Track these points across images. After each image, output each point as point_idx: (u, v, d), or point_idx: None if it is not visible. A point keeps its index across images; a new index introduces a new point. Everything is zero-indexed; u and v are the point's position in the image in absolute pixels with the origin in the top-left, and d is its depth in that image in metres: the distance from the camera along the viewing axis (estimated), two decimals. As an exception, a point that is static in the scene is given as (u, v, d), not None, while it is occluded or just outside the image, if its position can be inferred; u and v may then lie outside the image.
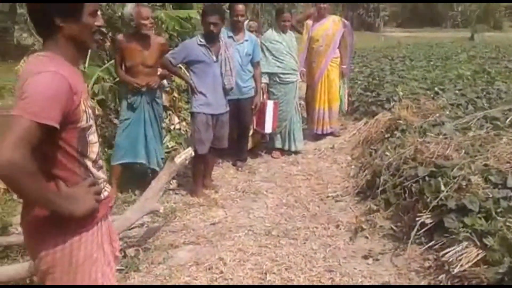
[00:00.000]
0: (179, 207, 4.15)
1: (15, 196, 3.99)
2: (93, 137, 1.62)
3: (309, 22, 5.88)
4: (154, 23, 4.19)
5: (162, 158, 4.44)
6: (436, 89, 6.14)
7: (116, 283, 1.83)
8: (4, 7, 17.69)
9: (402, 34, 29.23)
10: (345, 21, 5.93)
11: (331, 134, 6.06)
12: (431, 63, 9.95)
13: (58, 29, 1.52)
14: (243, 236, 3.56)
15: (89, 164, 1.61)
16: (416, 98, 5.61)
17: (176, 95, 6.36)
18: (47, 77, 1.42)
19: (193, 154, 3.54)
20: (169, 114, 6.32)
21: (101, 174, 1.68)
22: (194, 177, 4.47)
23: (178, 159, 3.28)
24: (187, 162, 3.57)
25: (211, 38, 4.11)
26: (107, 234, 1.75)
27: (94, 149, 1.63)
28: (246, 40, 4.79)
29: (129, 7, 4.06)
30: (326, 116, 5.92)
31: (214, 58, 4.13)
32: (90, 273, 1.65)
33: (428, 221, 3.04)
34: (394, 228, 3.35)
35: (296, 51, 5.47)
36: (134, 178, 4.52)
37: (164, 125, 6.18)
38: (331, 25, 5.73)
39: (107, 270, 1.72)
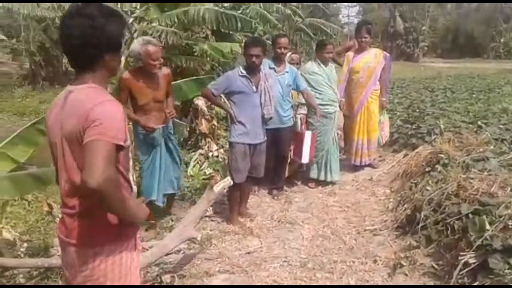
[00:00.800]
0: (215, 235, 4.17)
1: (57, 219, 4.14)
2: (131, 154, 1.80)
3: (350, 53, 5.92)
4: (163, 63, 4.03)
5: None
6: (479, 123, 5.98)
7: None
8: (55, 35, 18.72)
9: (442, 64, 28.81)
10: (386, 54, 5.92)
11: (369, 165, 5.98)
12: (473, 95, 9.72)
13: (101, 60, 1.69)
14: (278, 267, 3.53)
15: (130, 178, 1.84)
16: (458, 132, 5.47)
17: (215, 123, 6.50)
18: (113, 105, 1.63)
19: (231, 183, 3.57)
20: (208, 142, 6.45)
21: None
22: (230, 205, 4.49)
23: (217, 188, 3.32)
24: (225, 190, 3.60)
25: (252, 70, 4.20)
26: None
27: (131, 164, 1.88)
28: (287, 72, 4.87)
29: (137, 45, 3.84)
30: (364, 147, 5.87)
31: (254, 88, 4.21)
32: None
33: (471, 260, 2.92)
34: (435, 266, 3.24)
35: (335, 82, 5.50)
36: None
37: (202, 151, 6.33)
38: (373, 58, 5.74)
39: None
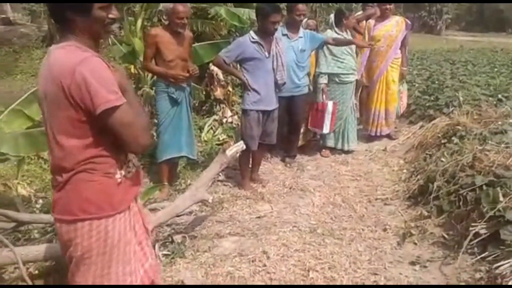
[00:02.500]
0: (227, 198, 4.21)
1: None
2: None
3: (371, 21, 5.77)
4: (188, 23, 4.08)
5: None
6: (499, 96, 5.82)
7: (148, 262, 1.91)
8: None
9: (465, 38, 27.99)
10: (408, 22, 5.75)
11: (387, 136, 5.90)
12: (495, 69, 9.43)
13: (73, 22, 1.62)
14: (287, 231, 3.56)
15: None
16: (478, 105, 5.35)
17: (230, 89, 6.47)
18: (96, 61, 1.58)
19: (244, 147, 3.57)
20: (223, 108, 6.44)
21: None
22: (242, 171, 4.51)
23: (230, 152, 3.32)
24: (237, 155, 3.61)
25: (264, 35, 4.11)
26: (137, 215, 1.86)
27: None
28: (301, 37, 4.78)
29: (168, 2, 3.95)
30: (381, 117, 5.78)
31: (267, 54, 4.14)
32: (124, 252, 1.75)
33: (482, 231, 2.90)
34: (445, 236, 3.23)
35: (354, 51, 5.39)
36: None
37: (217, 117, 6.34)
38: (394, 26, 5.59)
39: (137, 249, 1.84)
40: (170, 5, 3.90)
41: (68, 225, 1.66)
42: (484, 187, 3.20)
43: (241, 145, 3.48)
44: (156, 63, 4.11)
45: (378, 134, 5.84)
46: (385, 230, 3.58)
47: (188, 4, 4.00)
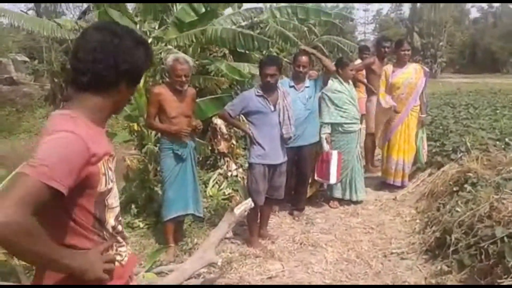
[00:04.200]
0: (235, 258, 4.05)
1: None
2: (113, 201, 1.52)
3: (389, 68, 5.80)
4: (189, 80, 4.09)
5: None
6: (506, 139, 5.76)
7: None
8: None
9: (460, 80, 28.42)
10: (426, 70, 5.80)
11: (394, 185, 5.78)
12: (497, 111, 9.45)
13: (115, 92, 1.45)
14: (302, 293, 3.38)
15: (109, 229, 1.50)
16: (486, 149, 5.27)
17: (234, 142, 6.42)
18: (62, 138, 1.31)
19: (252, 205, 3.47)
20: (227, 161, 6.36)
21: (121, 240, 1.57)
22: (250, 227, 4.37)
23: (238, 211, 3.22)
24: (246, 213, 3.49)
25: (268, 88, 4.12)
26: None
27: (113, 214, 1.52)
28: (307, 87, 4.80)
29: (169, 60, 3.99)
30: (406, 167, 5.68)
31: (272, 107, 4.12)
32: None
33: (510, 288, 2.74)
34: (470, 293, 3.06)
35: (356, 100, 5.39)
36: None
37: (221, 171, 6.25)
38: (413, 73, 5.61)
39: None
40: (170, 62, 3.95)
41: None
42: (506, 239, 3.06)
43: (249, 203, 3.38)
44: (160, 120, 4.11)
45: (403, 185, 5.70)
46: None
47: (189, 62, 4.02)
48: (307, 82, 4.83)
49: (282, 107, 4.18)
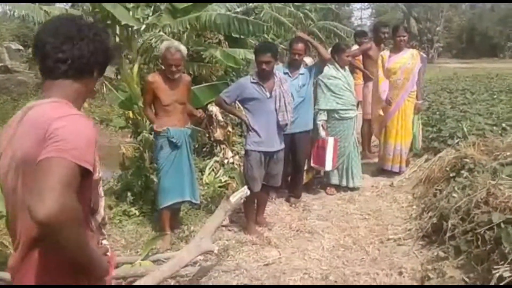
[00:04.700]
0: (232, 245, 4.04)
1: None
2: (101, 191, 1.54)
3: (386, 53, 5.74)
4: (182, 68, 4.07)
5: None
6: (503, 125, 5.76)
7: None
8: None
9: (458, 65, 28.31)
10: (423, 55, 5.74)
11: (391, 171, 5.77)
12: (494, 96, 9.44)
13: (87, 79, 1.48)
14: (298, 280, 3.39)
15: (98, 220, 1.51)
16: (483, 135, 5.26)
17: (230, 129, 6.38)
18: (80, 120, 1.32)
19: (248, 193, 3.45)
20: (223, 148, 6.34)
21: (104, 232, 1.59)
22: (247, 215, 4.36)
23: (233, 199, 3.20)
24: (242, 201, 3.47)
25: (264, 76, 4.07)
26: None
27: (102, 204, 1.54)
28: (302, 74, 4.75)
29: (162, 46, 3.99)
30: (403, 152, 5.64)
31: (268, 94, 4.08)
32: None
33: (506, 274, 2.73)
34: (466, 279, 3.04)
35: (353, 86, 5.34)
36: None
37: (217, 159, 6.22)
38: (410, 58, 5.55)
39: None
40: (162, 51, 3.93)
41: None
42: (502, 225, 3.05)
43: (245, 191, 3.36)
44: (155, 108, 4.11)
45: (401, 170, 5.67)
46: (400, 274, 3.40)
47: (182, 51, 3.95)
48: (302, 69, 4.78)
49: (279, 94, 4.13)
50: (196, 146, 6.76)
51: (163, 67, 4.13)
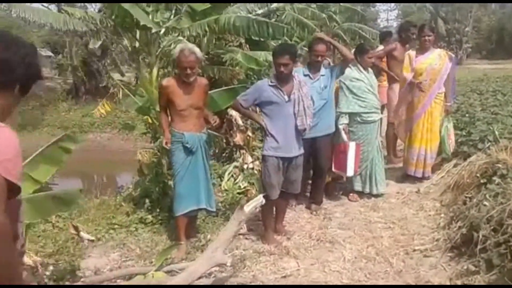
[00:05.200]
0: (249, 255, 3.90)
1: (85, 241, 4.00)
2: (22, 215, 1.42)
3: (412, 52, 5.50)
4: (197, 71, 3.99)
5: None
6: (538, 128, 5.42)
7: None
8: (97, 51, 19.22)
9: (487, 66, 27.43)
10: (452, 55, 5.48)
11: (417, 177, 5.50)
12: (527, 97, 8.99)
13: (8, 93, 1.40)
14: (317, 294, 3.20)
15: (18, 245, 1.37)
16: (516, 138, 4.96)
17: (250, 134, 6.26)
18: (7, 132, 1.25)
19: (263, 201, 3.29)
20: (243, 153, 6.21)
21: (23, 261, 1.50)
22: (265, 223, 4.21)
23: (248, 208, 3.05)
24: (257, 210, 3.33)
25: (282, 78, 3.92)
26: None
27: (21, 230, 1.42)
28: (322, 75, 4.59)
29: (176, 49, 3.91)
30: (428, 157, 5.38)
31: (286, 98, 3.92)
32: None
33: (544, 292, 2.50)
34: (500, 296, 2.82)
35: (377, 88, 5.13)
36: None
37: (237, 164, 6.09)
38: (437, 59, 5.30)
39: None
40: (176, 54, 3.85)
41: None
42: (540, 237, 2.81)
43: (260, 199, 3.20)
44: (170, 113, 4.03)
45: (424, 176, 5.42)
46: (427, 288, 3.19)
47: (196, 54, 3.86)
48: (323, 71, 4.61)
49: (298, 97, 3.97)
50: (216, 151, 6.67)
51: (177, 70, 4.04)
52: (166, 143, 3.95)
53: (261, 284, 3.39)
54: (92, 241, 4.08)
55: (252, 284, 3.40)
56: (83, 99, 19.44)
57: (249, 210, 3.06)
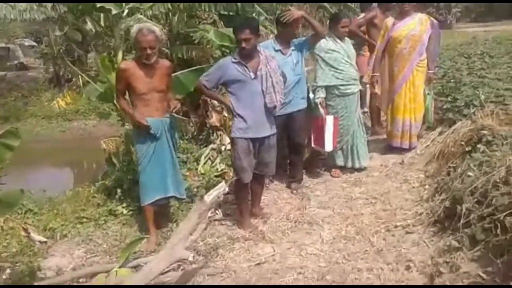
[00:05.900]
0: (223, 242, 3.68)
1: (37, 243, 3.78)
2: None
3: (390, 19, 5.17)
4: (157, 52, 3.67)
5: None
6: (526, 90, 5.15)
7: None
8: (78, 36, 18.68)
9: (477, 29, 26.94)
10: (434, 20, 5.14)
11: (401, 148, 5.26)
12: (516, 58, 8.70)
13: None
14: (291, 281, 3.00)
15: None
16: (502, 102, 4.70)
17: (226, 114, 5.98)
18: None
19: (226, 190, 3.05)
20: (220, 135, 5.97)
21: None
22: (240, 207, 3.98)
23: (209, 198, 2.81)
24: (220, 199, 3.09)
25: (245, 54, 3.63)
26: None
27: None
28: (293, 49, 4.30)
29: (133, 29, 3.62)
30: (413, 128, 5.11)
31: (252, 75, 3.64)
32: None
33: (531, 268, 2.29)
34: (483, 275, 2.59)
35: (355, 59, 4.83)
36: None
37: (214, 146, 5.84)
38: (417, 25, 4.97)
39: None
40: (134, 34, 3.55)
41: None
42: (525, 208, 2.58)
43: (222, 188, 2.95)
44: (130, 97, 3.75)
45: (411, 147, 5.17)
46: (408, 268, 2.98)
47: (155, 32, 3.57)
48: (292, 45, 4.32)
49: (265, 74, 3.69)
50: (195, 133, 6.42)
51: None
52: (138, 119, 3.62)
53: (232, 272, 3.18)
54: (45, 242, 3.81)
55: (224, 273, 3.18)
56: (65, 88, 19.01)
57: (210, 200, 2.82)
